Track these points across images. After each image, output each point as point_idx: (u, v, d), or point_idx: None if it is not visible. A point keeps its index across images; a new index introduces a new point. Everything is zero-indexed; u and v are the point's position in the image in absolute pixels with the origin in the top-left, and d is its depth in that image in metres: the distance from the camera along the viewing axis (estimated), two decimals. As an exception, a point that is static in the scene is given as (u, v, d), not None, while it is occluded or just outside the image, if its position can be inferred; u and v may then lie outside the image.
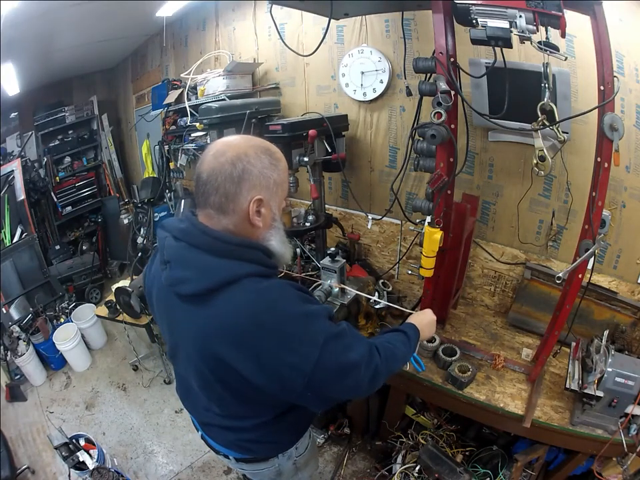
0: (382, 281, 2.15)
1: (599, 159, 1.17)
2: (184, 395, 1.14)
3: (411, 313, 1.30)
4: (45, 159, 3.77)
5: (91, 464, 1.87)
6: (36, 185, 3.57)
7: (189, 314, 0.84)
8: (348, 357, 0.86)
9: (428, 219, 1.38)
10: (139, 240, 3.33)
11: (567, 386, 1.40)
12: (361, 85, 2.04)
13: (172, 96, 2.83)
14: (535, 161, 1.33)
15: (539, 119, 1.23)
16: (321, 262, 1.60)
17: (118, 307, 2.57)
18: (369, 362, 0.91)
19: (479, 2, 1.09)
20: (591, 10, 1.06)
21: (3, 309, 2.89)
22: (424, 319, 1.23)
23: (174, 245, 0.85)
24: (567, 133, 1.50)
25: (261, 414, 1.00)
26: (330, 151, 1.91)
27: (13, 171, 3.40)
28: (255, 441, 1.07)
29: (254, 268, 0.83)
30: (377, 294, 1.94)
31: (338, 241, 2.50)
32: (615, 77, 1.09)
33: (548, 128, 1.24)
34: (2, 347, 2.72)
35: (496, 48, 1.18)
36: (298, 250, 2.08)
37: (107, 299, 2.78)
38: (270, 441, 1.08)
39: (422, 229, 1.40)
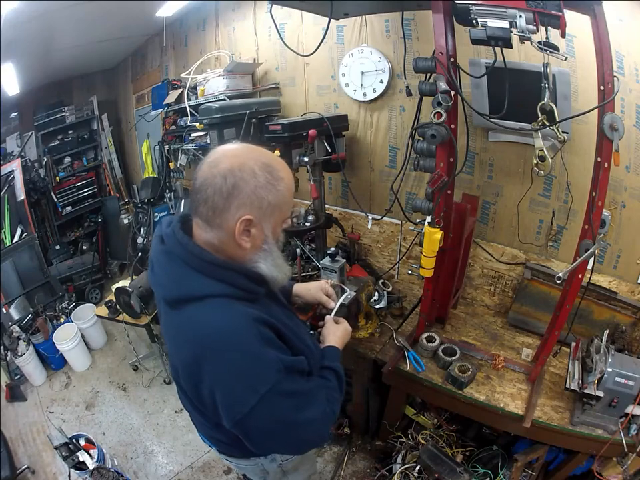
0: (382, 281, 2.15)
1: (599, 159, 1.17)
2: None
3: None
4: (45, 159, 3.77)
5: (90, 464, 1.87)
6: (36, 185, 3.57)
7: (166, 314, 0.88)
8: (294, 416, 0.82)
9: (428, 219, 1.38)
10: (139, 240, 3.33)
11: (567, 386, 1.40)
12: (361, 85, 2.04)
13: (172, 96, 2.83)
14: (535, 161, 1.33)
15: (539, 118, 1.23)
16: (321, 262, 1.60)
17: (118, 306, 2.57)
18: (321, 422, 0.88)
19: (479, 2, 1.09)
20: (591, 10, 1.06)
21: (3, 309, 2.89)
22: (337, 334, 1.13)
23: (158, 248, 0.86)
24: (567, 132, 1.50)
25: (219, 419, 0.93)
26: (330, 151, 1.91)
27: (13, 170, 3.40)
28: (225, 443, 1.07)
29: (226, 289, 0.80)
30: (377, 294, 1.95)
31: (338, 241, 2.50)
32: (615, 77, 1.09)
33: (548, 128, 1.24)
34: (2, 347, 2.72)
35: (496, 48, 1.18)
36: (298, 250, 2.08)
37: (107, 299, 2.77)
38: (238, 446, 0.99)
39: (422, 229, 1.40)
